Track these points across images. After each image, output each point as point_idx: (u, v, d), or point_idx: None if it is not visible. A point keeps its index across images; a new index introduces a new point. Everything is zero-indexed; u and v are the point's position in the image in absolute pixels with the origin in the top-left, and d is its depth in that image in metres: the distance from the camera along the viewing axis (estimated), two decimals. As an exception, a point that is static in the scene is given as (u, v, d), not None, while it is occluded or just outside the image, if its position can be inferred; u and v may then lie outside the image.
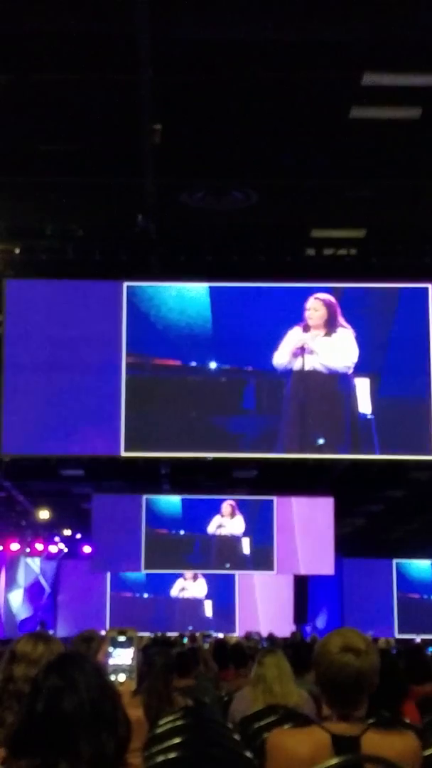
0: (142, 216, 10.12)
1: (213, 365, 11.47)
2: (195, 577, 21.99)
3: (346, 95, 8.41)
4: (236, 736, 4.67)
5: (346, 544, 23.15)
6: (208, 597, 22.13)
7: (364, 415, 11.35)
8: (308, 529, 19.11)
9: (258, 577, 21.55)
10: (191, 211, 10.38)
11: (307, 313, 11.35)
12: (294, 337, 11.35)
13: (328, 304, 11.34)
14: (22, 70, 8.00)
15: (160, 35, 7.22)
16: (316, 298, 11.38)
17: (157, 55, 7.37)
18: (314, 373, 11.35)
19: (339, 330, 11.32)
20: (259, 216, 10.57)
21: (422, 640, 19.26)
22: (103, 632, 4.55)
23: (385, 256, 11.05)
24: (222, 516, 19.43)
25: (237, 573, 21.24)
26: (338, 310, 11.34)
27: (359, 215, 10.74)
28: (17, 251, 11.05)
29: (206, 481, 19.06)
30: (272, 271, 11.09)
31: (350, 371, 11.36)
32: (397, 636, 21.99)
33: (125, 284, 11.37)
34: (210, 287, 11.48)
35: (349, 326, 11.33)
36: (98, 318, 11.38)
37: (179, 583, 22.05)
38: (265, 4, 7.14)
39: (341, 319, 11.32)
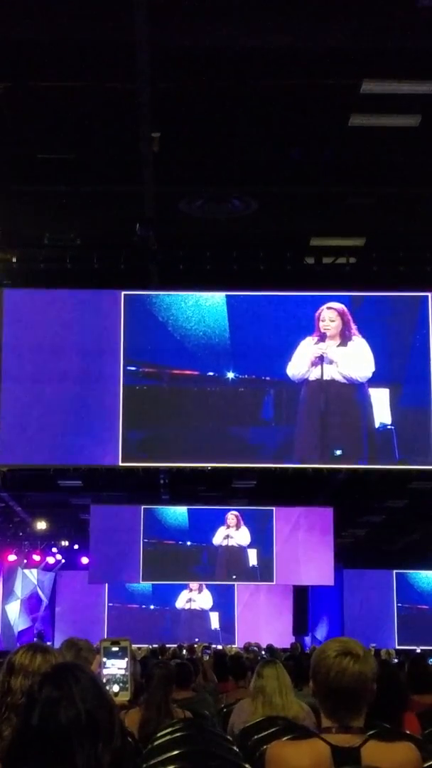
0: (141, 224, 10.09)
1: (230, 375, 11.39)
2: (200, 589, 21.93)
3: (345, 103, 8.40)
4: (235, 748, 4.62)
5: (346, 555, 23.11)
6: (214, 609, 22.07)
7: (384, 425, 11.26)
8: (308, 539, 19.06)
9: (257, 588, 21.50)
10: (190, 220, 10.36)
11: (322, 324, 11.28)
12: (310, 346, 11.27)
13: (341, 314, 11.29)
14: (20, 77, 7.99)
15: (159, 43, 7.21)
16: (329, 308, 11.31)
17: (155, 62, 7.36)
18: (333, 383, 11.27)
19: (354, 339, 11.27)
20: (259, 224, 10.56)
21: (422, 650, 19.18)
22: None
23: (385, 265, 11.02)
24: (228, 527, 19.38)
25: (237, 584, 21.19)
26: (351, 320, 11.29)
27: (359, 223, 10.73)
28: (15, 260, 11.03)
29: (205, 491, 19.03)
30: (272, 279, 11.06)
31: (368, 381, 11.28)
32: (397, 647, 21.90)
33: (123, 293, 11.34)
34: (227, 296, 11.42)
35: (361, 336, 11.28)
36: (96, 328, 11.34)
37: (186, 595, 21.99)
38: (264, 13, 7.13)
39: (354, 329, 11.27)
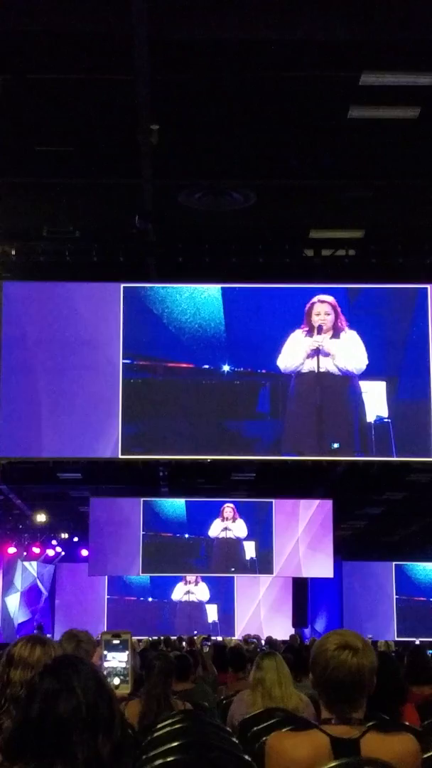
0: (140, 217, 10.08)
1: (226, 368, 11.37)
2: (197, 581, 21.96)
3: (344, 95, 8.38)
4: (235, 739, 4.63)
5: (345, 547, 23.15)
6: (212, 601, 22.10)
7: (381, 418, 11.24)
8: (307, 531, 19.09)
9: (257, 580, 21.53)
10: (189, 212, 10.34)
11: (317, 317, 11.25)
12: (302, 338, 11.25)
13: (334, 306, 11.29)
14: (18, 69, 7.96)
15: (158, 35, 7.19)
16: (322, 301, 11.29)
17: (154, 54, 7.35)
18: (329, 376, 11.25)
19: (346, 331, 11.26)
20: (258, 217, 10.54)
21: (421, 642, 19.22)
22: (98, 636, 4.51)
23: (384, 257, 11.01)
24: (224, 519, 19.39)
25: (236, 576, 21.21)
26: (341, 312, 11.29)
27: (358, 215, 10.71)
28: (14, 253, 11.01)
29: (205, 483, 19.05)
30: (271, 272, 11.05)
31: (364, 373, 11.26)
32: (396, 638, 21.95)
33: (122, 286, 11.33)
34: (222, 288, 11.40)
35: (355, 328, 11.26)
36: (95, 320, 11.33)
37: (183, 587, 22.01)
38: (263, 5, 7.11)
39: (344, 321, 11.27)
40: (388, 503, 21.62)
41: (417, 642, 19.41)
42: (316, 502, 19.36)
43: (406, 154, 9.41)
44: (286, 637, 18.44)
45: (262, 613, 22.30)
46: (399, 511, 21.96)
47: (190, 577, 21.75)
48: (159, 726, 4.77)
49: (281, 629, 20.77)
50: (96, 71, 8.00)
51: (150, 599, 22.56)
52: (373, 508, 22.70)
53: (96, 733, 2.07)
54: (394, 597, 24.38)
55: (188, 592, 22.05)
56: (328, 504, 19.22)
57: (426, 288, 11.41)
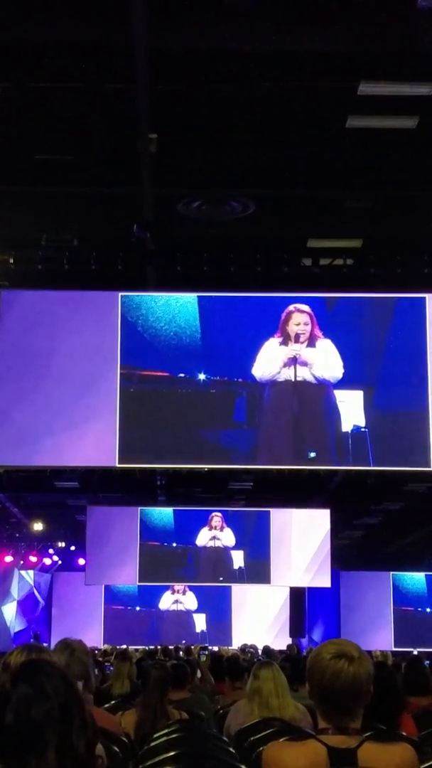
0: (138, 226, 10.10)
1: (202, 377, 11.38)
2: (184, 591, 21.91)
3: (342, 105, 8.40)
4: (231, 749, 4.62)
5: (342, 557, 23.11)
6: (200, 610, 22.04)
7: (358, 428, 11.25)
8: (304, 541, 19.06)
9: (254, 589, 21.48)
10: (188, 221, 10.36)
11: (296, 327, 11.27)
12: (278, 347, 11.27)
13: (311, 315, 11.33)
14: (18, 78, 7.99)
15: (157, 44, 7.21)
16: (301, 311, 11.32)
17: (153, 64, 7.37)
18: (306, 385, 11.27)
19: (322, 340, 11.29)
20: (256, 226, 10.56)
21: (418, 652, 19.16)
22: (98, 645, 4.46)
23: (381, 266, 11.02)
24: (212, 528, 19.36)
25: (232, 585, 21.17)
26: (316, 321, 11.33)
27: (356, 225, 10.74)
28: (12, 261, 11.03)
29: (202, 492, 19.03)
30: (269, 281, 11.07)
31: (343, 383, 11.28)
32: (394, 649, 21.89)
33: (120, 294, 11.34)
34: (198, 297, 11.44)
35: (331, 337, 11.30)
36: (93, 328, 11.34)
37: (171, 596, 21.95)
38: (262, 14, 7.14)
39: (320, 330, 11.30)
40: (385, 513, 21.62)
41: (415, 652, 19.35)
42: (314, 511, 19.33)
43: (405, 164, 9.44)
44: (284, 647, 18.40)
45: (259, 622, 22.25)
46: (396, 521, 21.95)
47: (178, 586, 21.69)
48: (156, 735, 4.77)
49: (278, 639, 20.72)
50: (95, 80, 8.03)
51: (138, 608, 22.50)
52: (370, 518, 22.70)
53: (70, 732, 2.13)
54: (392, 607, 24.32)
55: (176, 601, 21.99)
56: (326, 513, 19.20)
57: (424, 297, 11.42)
